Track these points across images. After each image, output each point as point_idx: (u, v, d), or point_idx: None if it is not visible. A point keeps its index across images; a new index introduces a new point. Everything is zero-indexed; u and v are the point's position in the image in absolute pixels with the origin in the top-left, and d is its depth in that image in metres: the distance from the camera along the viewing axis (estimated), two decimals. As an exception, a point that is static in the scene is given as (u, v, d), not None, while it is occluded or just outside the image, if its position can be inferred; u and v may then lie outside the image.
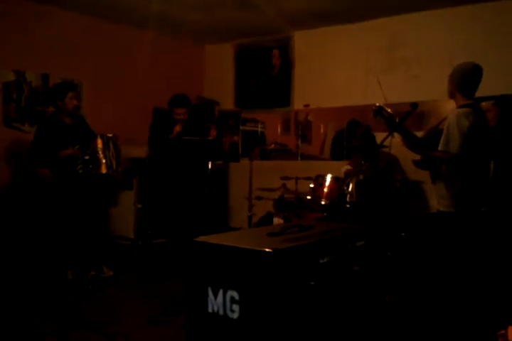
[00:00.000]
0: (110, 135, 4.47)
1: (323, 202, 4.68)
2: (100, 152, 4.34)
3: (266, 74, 6.55)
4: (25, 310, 3.67)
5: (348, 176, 4.61)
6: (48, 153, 4.24)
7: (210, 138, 4.82)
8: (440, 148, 3.14)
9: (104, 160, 4.34)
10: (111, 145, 4.42)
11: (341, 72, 5.88)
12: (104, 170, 4.36)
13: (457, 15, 5.13)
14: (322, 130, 6.16)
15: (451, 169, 3.17)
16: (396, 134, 3.40)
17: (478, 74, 3.20)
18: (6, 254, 4.59)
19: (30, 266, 4.62)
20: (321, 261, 2.16)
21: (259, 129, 6.67)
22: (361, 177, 4.54)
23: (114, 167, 4.43)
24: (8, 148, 4.92)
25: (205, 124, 5.18)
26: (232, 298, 2.01)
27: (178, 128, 4.72)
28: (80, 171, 4.27)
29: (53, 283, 4.32)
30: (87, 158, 4.27)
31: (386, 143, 4.03)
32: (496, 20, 4.93)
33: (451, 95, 3.28)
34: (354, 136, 5.77)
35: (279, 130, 6.51)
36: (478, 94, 3.26)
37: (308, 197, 4.83)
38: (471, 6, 5.03)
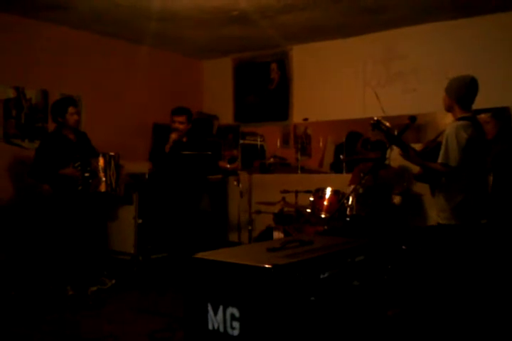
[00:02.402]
0: (112, 153, 4.47)
1: (323, 216, 4.67)
2: (101, 170, 4.34)
3: (264, 88, 6.59)
4: (25, 327, 3.64)
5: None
6: (49, 169, 4.25)
7: (228, 168, 4.83)
8: (439, 160, 3.15)
9: (104, 179, 4.35)
10: (112, 164, 4.42)
11: (339, 85, 5.92)
12: (103, 189, 4.37)
13: (453, 28, 5.17)
14: (321, 143, 6.18)
15: (451, 182, 3.18)
16: (394, 147, 3.41)
17: (476, 87, 3.22)
18: (7, 270, 4.57)
19: (30, 282, 4.59)
20: (321, 277, 2.15)
21: (259, 143, 6.68)
22: (361, 190, 4.54)
23: (114, 186, 4.43)
24: (8, 164, 4.92)
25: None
26: (233, 315, 2.00)
27: (173, 135, 4.65)
28: (79, 188, 4.27)
29: (53, 299, 4.29)
30: (87, 175, 4.27)
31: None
32: (491, 33, 4.97)
33: (449, 108, 3.29)
34: (354, 147, 5.77)
35: (278, 143, 6.52)
36: (474, 106, 3.28)
37: (308, 211, 4.82)
38: (467, 20, 5.08)
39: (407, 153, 3.28)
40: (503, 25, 4.93)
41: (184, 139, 4.79)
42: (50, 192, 4.39)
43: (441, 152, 3.15)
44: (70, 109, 4.40)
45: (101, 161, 4.35)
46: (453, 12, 4.95)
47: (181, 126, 4.73)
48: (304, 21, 5.27)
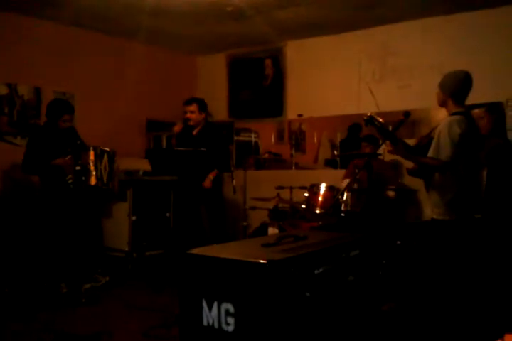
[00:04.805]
0: (107, 149, 4.44)
1: (317, 211, 4.67)
2: (91, 163, 4.30)
3: (259, 85, 6.57)
4: (18, 324, 3.61)
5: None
6: (40, 161, 4.23)
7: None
8: (430, 154, 3.13)
9: (94, 172, 4.29)
10: (105, 159, 4.38)
11: (334, 81, 5.91)
12: (93, 182, 4.30)
13: (447, 24, 5.17)
14: (316, 139, 6.17)
15: (444, 177, 3.17)
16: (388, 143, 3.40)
17: (470, 82, 3.21)
18: (0, 267, 4.55)
19: (24, 279, 4.57)
20: (316, 272, 2.14)
21: (253, 139, 6.67)
22: (356, 185, 4.54)
23: (105, 180, 4.38)
24: (1, 161, 4.89)
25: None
26: (227, 311, 1.99)
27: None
28: (70, 181, 4.24)
29: (47, 296, 4.27)
30: (78, 168, 4.24)
31: (379, 151, 4.03)
32: (485, 28, 4.97)
33: (442, 103, 3.28)
34: (357, 138, 5.70)
35: (272, 139, 6.51)
36: (468, 101, 3.27)
37: (303, 207, 4.82)
38: (460, 15, 5.08)
39: (396, 146, 3.26)
40: (497, 21, 4.92)
41: (194, 132, 4.62)
42: (42, 186, 4.36)
43: (433, 146, 3.13)
44: (65, 117, 4.36)
45: (91, 155, 4.32)
46: (447, 7, 4.95)
47: (193, 116, 4.53)
48: (299, 17, 5.26)
